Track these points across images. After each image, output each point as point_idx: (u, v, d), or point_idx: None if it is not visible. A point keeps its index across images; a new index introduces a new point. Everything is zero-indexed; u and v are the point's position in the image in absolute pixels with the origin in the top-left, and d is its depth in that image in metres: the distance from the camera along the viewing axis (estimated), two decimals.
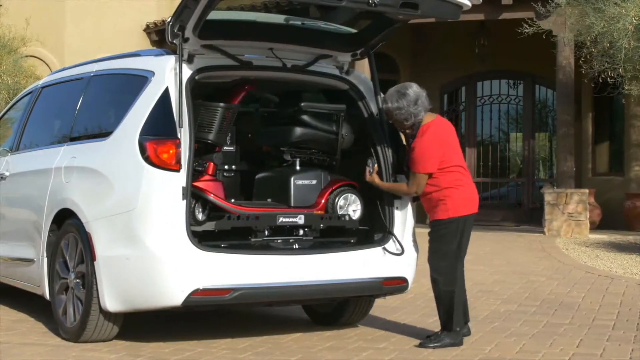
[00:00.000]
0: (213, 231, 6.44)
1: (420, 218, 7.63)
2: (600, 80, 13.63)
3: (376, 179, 6.63)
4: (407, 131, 6.60)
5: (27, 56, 17.59)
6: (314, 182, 6.93)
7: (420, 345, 6.44)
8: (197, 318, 7.51)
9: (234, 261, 6.09)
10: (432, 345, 6.40)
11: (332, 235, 6.93)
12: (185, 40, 6.13)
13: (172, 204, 5.96)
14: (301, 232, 6.81)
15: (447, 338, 6.43)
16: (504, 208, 19.24)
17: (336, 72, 6.99)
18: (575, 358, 6.17)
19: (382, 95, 6.92)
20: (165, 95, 6.21)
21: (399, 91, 6.49)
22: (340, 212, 6.87)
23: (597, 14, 12.52)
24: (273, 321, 7.71)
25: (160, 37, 18.46)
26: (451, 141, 6.55)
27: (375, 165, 6.74)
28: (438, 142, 6.44)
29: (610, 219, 16.41)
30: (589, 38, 12.96)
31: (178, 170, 6.01)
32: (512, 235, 15.41)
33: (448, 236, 6.46)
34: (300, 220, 6.71)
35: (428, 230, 6.59)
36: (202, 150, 6.55)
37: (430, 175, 6.44)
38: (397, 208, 6.73)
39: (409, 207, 6.80)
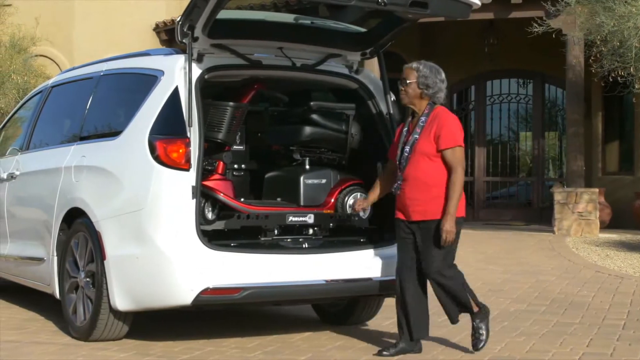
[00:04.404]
0: (223, 230, 6.45)
1: None
2: (610, 79, 13.58)
3: (448, 219, 6.00)
4: (407, 102, 6.23)
5: (36, 55, 17.64)
6: (324, 181, 6.93)
7: (474, 348, 6.28)
8: (207, 317, 7.52)
9: (244, 260, 6.09)
10: (484, 339, 6.25)
11: (342, 235, 6.92)
12: (195, 39, 6.14)
13: (182, 203, 5.97)
14: (311, 231, 6.81)
15: (483, 323, 6.26)
16: (513, 207, 19.22)
17: (346, 71, 7.00)
18: (585, 357, 6.16)
19: (392, 94, 6.93)
20: (175, 94, 6.22)
21: (435, 65, 6.28)
22: (349, 211, 6.87)
23: (607, 13, 12.48)
24: (282, 320, 7.71)
25: (170, 37, 18.46)
26: None
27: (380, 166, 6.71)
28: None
29: (620, 218, 16.37)
30: (599, 37, 12.92)
31: (188, 170, 6.02)
32: (521, 235, 15.38)
33: (458, 235, 6.21)
34: (309, 219, 6.71)
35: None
36: (211, 149, 6.55)
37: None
38: None
39: None
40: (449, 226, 6.01)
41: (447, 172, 6.09)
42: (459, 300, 6.23)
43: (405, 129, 6.26)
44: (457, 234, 6.15)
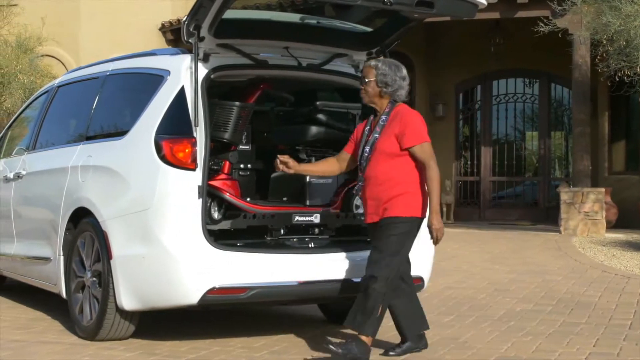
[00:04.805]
0: (229, 230, 6.45)
1: None
2: (617, 79, 13.57)
3: (434, 216, 5.86)
4: (367, 101, 6.12)
5: (43, 55, 17.66)
6: (330, 180, 6.93)
7: (327, 345, 5.86)
8: (213, 317, 7.52)
9: (250, 260, 6.09)
10: (337, 349, 5.75)
11: (348, 234, 6.92)
12: (201, 39, 6.14)
13: (188, 203, 5.97)
14: (317, 231, 6.81)
15: (356, 348, 5.76)
16: (519, 207, 19.21)
17: (352, 70, 6.99)
18: (591, 357, 6.15)
19: None
20: (181, 94, 6.22)
21: (395, 62, 6.13)
22: (356, 211, 6.86)
23: (613, 12, 12.47)
24: (289, 320, 7.71)
25: (176, 36, 18.50)
26: None
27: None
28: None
29: (626, 218, 16.34)
30: (605, 36, 12.91)
31: (194, 169, 6.02)
32: (528, 235, 15.37)
33: (411, 236, 5.98)
34: (316, 219, 6.71)
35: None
36: (217, 149, 6.55)
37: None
38: None
39: None
40: (436, 222, 5.88)
41: (416, 170, 5.95)
42: (361, 305, 5.84)
43: (367, 127, 6.15)
44: (408, 234, 5.93)
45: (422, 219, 6.02)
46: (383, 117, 6.03)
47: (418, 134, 5.93)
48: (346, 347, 5.76)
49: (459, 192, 19.63)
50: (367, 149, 6.02)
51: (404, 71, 6.11)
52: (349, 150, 6.31)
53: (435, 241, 5.95)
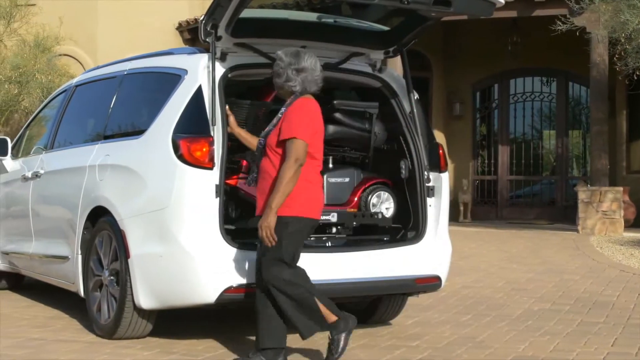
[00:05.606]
0: (246, 229, 6.45)
1: (452, 216, 7.55)
2: (635, 77, 13.53)
3: (266, 213, 5.48)
4: (277, 93, 5.94)
5: (60, 55, 17.76)
6: (347, 179, 6.92)
7: None
8: (230, 315, 7.52)
9: None
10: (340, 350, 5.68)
11: (365, 233, 6.91)
12: (218, 38, 6.15)
13: (206, 202, 5.98)
14: (334, 229, 6.80)
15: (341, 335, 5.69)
16: (537, 206, 19.17)
17: (369, 69, 6.98)
18: (609, 357, 6.13)
19: (415, 92, 6.92)
20: (199, 93, 6.23)
21: (299, 51, 5.76)
22: (373, 210, 6.85)
23: (631, 11, 12.42)
24: None
25: (193, 36, 18.54)
26: (322, 128, 5.78)
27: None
28: (316, 118, 5.70)
29: None
30: (623, 35, 12.87)
31: (211, 168, 6.03)
32: (545, 234, 15.33)
33: (299, 237, 5.68)
34: (333, 218, 6.70)
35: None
36: (235, 148, 6.56)
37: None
38: (430, 206, 6.70)
39: (443, 205, 6.76)
40: (263, 220, 5.45)
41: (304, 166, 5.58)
42: (308, 308, 5.64)
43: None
44: (295, 234, 5.60)
45: (310, 219, 5.69)
46: (282, 110, 5.72)
47: (289, 129, 5.54)
48: (337, 339, 5.68)
49: (476, 191, 19.61)
50: (262, 140, 5.77)
51: (305, 62, 5.72)
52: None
53: (263, 241, 5.48)
